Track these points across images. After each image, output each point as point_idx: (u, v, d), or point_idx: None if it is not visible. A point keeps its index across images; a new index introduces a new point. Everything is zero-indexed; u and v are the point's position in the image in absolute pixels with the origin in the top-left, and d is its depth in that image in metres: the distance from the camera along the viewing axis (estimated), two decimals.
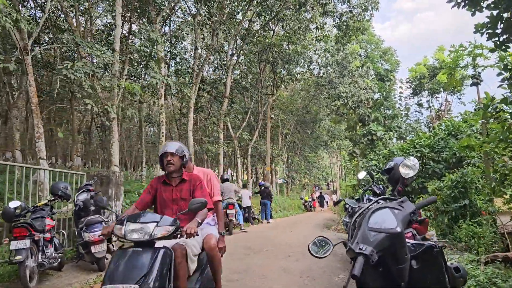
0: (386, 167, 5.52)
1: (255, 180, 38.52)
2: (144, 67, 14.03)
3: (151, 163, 47.18)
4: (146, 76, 17.03)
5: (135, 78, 16.78)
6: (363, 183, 8.77)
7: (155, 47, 13.28)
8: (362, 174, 8.43)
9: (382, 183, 9.23)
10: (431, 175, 16.81)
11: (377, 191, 8.65)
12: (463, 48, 14.45)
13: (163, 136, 15.56)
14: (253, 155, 30.48)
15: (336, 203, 9.75)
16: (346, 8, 17.73)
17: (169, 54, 26.03)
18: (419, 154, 17.33)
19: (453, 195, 9.64)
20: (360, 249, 1.95)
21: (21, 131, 21.82)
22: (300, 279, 5.19)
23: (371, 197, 8.42)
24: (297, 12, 16.99)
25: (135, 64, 15.04)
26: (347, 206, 9.14)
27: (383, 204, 2.21)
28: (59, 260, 6.33)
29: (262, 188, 18.69)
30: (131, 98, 16.22)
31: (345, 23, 18.83)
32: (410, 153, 17.21)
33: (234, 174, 28.76)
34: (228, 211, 12.32)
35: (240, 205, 16.37)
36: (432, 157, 17.11)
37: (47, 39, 17.81)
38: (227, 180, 13.37)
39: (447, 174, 11.32)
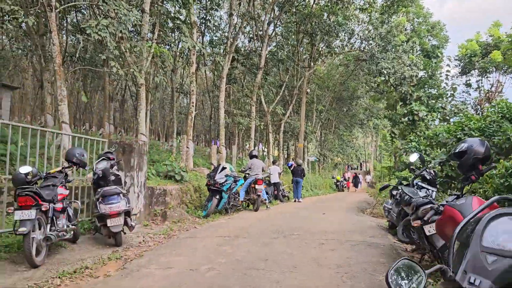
0: (457, 150, 4.58)
1: (286, 156, 37.82)
2: (175, 32, 13.24)
3: (183, 134, 47.21)
4: (178, 43, 16.35)
5: (167, 46, 16.12)
6: (413, 167, 7.79)
7: (187, 10, 12.51)
8: (413, 157, 7.50)
9: (430, 168, 8.27)
10: None
11: (428, 177, 7.69)
12: None
13: (193, 106, 14.97)
14: (286, 131, 29.59)
15: (382, 188, 8.84)
16: None
17: (203, 22, 25.38)
18: (467, 138, 15.90)
19: (507, 184, 8.79)
20: (471, 283, 1.16)
21: (54, 95, 21.94)
22: (337, 274, 4.46)
23: (422, 184, 7.51)
24: None
25: (166, 29, 14.31)
26: (394, 192, 8.25)
27: (500, 210, 1.36)
28: (72, 232, 5.87)
29: (298, 165, 17.98)
30: (162, 66, 15.59)
31: None
32: (457, 136, 15.86)
33: (265, 150, 28.12)
34: (257, 186, 11.79)
35: (268, 182, 15.75)
36: None
37: None
38: (255, 156, 12.75)
39: (501, 160, 10.36)
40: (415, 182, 7.53)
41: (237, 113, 19.66)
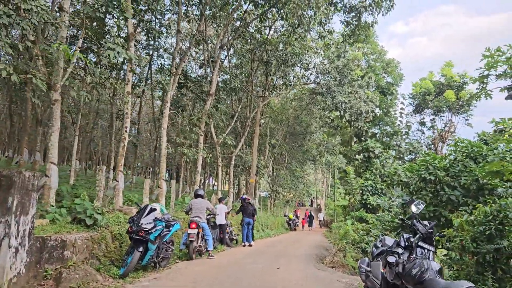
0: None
1: (237, 191, 35.48)
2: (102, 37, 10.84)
3: (129, 165, 43.68)
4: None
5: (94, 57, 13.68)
6: (406, 220, 5.71)
7: (123, 19, 10.28)
8: (418, 206, 5.43)
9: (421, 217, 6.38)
10: (446, 203, 14.20)
11: (420, 228, 5.67)
12: (501, 53, 11.89)
13: (126, 132, 12.48)
14: (237, 164, 27.55)
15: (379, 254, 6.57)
16: (356, 1, 15.01)
17: (149, 43, 23.19)
18: (432, 177, 14.48)
19: (488, 233, 7.35)
20: None
21: None
22: None
23: (411, 238, 5.55)
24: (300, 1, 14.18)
25: (96, 36, 11.94)
26: (375, 249, 6.16)
27: None
28: None
29: (245, 203, 15.68)
30: (88, 81, 13.05)
31: (355, 18, 16.11)
32: (422, 175, 14.35)
33: (216, 183, 25.76)
34: (190, 231, 9.63)
35: (214, 224, 13.36)
36: (447, 181, 14.42)
37: None
38: (201, 196, 10.53)
39: (473, 204, 9.18)
40: (403, 237, 5.56)
41: (182, 143, 17.25)
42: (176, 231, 9.50)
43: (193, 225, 9.71)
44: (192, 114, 20.06)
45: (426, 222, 5.63)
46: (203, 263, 9.69)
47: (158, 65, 25.97)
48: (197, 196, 10.60)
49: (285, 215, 36.65)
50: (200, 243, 10.30)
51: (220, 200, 14.90)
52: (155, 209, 8.08)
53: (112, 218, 8.83)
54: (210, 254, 10.62)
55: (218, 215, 13.58)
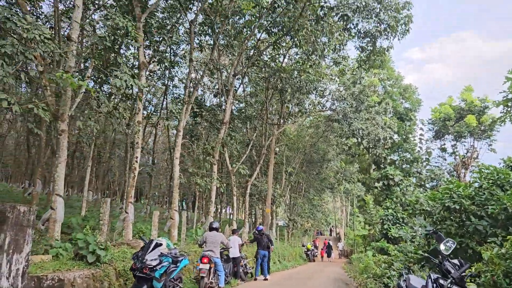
0: None
1: (253, 221, 34.68)
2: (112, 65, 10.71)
3: (145, 194, 43.43)
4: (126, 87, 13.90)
5: (104, 85, 13.59)
6: (435, 259, 5.04)
7: (135, 48, 10.16)
8: (448, 246, 4.81)
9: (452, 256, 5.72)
10: (472, 234, 13.28)
11: (451, 269, 5.02)
12: None
13: (136, 162, 12.20)
14: (253, 193, 26.93)
15: None
16: (373, 24, 14.70)
17: (163, 73, 23.31)
18: (457, 206, 13.63)
19: None
20: None
21: None
22: None
23: (440, 279, 4.93)
24: (315, 24, 13.99)
25: (105, 65, 11.86)
26: None
27: None
28: None
29: (261, 234, 15.00)
30: (96, 110, 12.90)
31: (370, 43, 15.79)
32: (445, 204, 13.51)
33: (232, 213, 25.18)
34: (201, 265, 9.12)
35: (227, 257, 12.74)
36: (473, 210, 13.57)
37: None
38: (215, 229, 10.05)
39: (503, 235, 8.53)
40: (431, 277, 4.96)
41: (195, 172, 16.89)
42: (185, 266, 8.98)
43: (205, 260, 9.18)
44: (206, 143, 19.78)
45: (456, 261, 5.00)
46: None
47: (173, 95, 26.07)
48: (211, 229, 10.10)
49: (303, 245, 35.53)
50: (211, 278, 9.72)
51: (233, 232, 14.31)
52: (160, 244, 7.60)
53: (118, 253, 8.40)
54: None
55: (231, 247, 13.00)
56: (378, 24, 14.47)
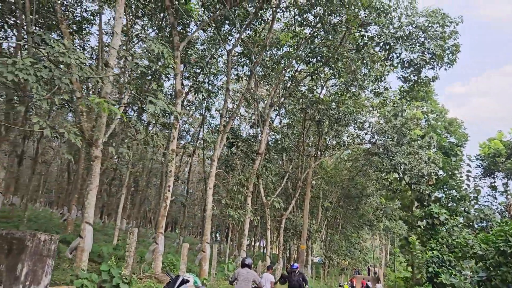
0: None
1: (287, 256, 33.50)
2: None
3: (180, 224, 43.31)
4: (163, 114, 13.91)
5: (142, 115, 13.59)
6: None
7: (167, 71, 10.08)
8: None
9: None
10: None
11: None
12: None
13: (169, 191, 11.91)
14: (287, 228, 26.05)
15: None
16: (417, 53, 14.08)
17: (201, 103, 23.43)
18: None
19: None
20: None
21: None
22: None
23: None
24: (356, 53, 13.54)
25: (139, 92, 11.87)
26: None
27: None
28: None
29: (292, 272, 14.12)
30: (132, 137, 12.84)
31: (413, 73, 15.11)
32: (500, 248, 12.27)
33: (265, 247, 24.34)
34: None
35: None
36: None
37: None
38: (248, 265, 9.42)
39: None
40: None
41: (229, 204, 16.44)
42: None
43: None
44: (241, 174, 19.40)
45: None
46: None
47: (210, 125, 26.15)
48: (244, 265, 9.47)
49: (339, 286, 33.69)
50: None
51: (268, 268, 13.49)
52: (187, 281, 7.09)
53: (142, 287, 7.94)
54: None
55: (264, 286, 12.28)
56: (423, 53, 13.81)
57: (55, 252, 5.72)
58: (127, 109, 12.81)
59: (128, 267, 7.28)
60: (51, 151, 34.45)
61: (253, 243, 41.85)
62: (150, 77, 10.67)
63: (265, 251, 22.12)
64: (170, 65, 9.68)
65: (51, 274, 5.58)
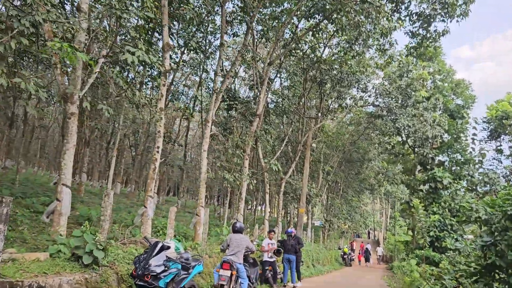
0: None
1: (288, 221, 33.28)
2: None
3: (184, 189, 42.91)
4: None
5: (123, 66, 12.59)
6: None
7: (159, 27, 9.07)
8: None
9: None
10: None
11: None
12: None
13: (158, 152, 11.14)
14: (287, 192, 25.52)
15: None
16: (426, 3, 12.86)
17: (199, 64, 22.32)
18: None
19: None
20: None
21: None
22: None
23: None
24: (360, 4, 12.34)
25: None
26: None
27: None
28: None
29: (291, 237, 13.57)
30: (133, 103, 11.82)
31: (422, 27, 13.90)
32: (508, 212, 11.51)
33: (264, 212, 23.87)
34: (221, 272, 7.85)
35: (254, 261, 11.42)
36: None
37: None
38: (239, 231, 8.74)
39: None
40: None
41: (223, 166, 15.74)
42: (199, 273, 7.75)
43: (226, 266, 7.90)
44: (238, 136, 18.60)
45: None
46: None
47: (209, 88, 25.10)
48: (235, 231, 8.80)
49: (339, 248, 33.74)
50: (233, 287, 8.44)
51: (270, 232, 12.82)
52: (168, 247, 6.40)
53: (123, 254, 7.28)
54: None
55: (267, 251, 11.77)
56: (434, 3, 12.58)
57: (7, 216, 4.96)
58: (110, 64, 11.80)
59: (103, 232, 6.59)
60: (50, 115, 33.62)
61: (254, 208, 41.71)
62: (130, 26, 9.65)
63: (264, 215, 21.62)
64: (156, 17, 8.66)
65: (3, 241, 4.84)
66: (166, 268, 6.15)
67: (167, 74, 11.41)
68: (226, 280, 7.92)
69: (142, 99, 10.34)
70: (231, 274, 8.16)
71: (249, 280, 10.91)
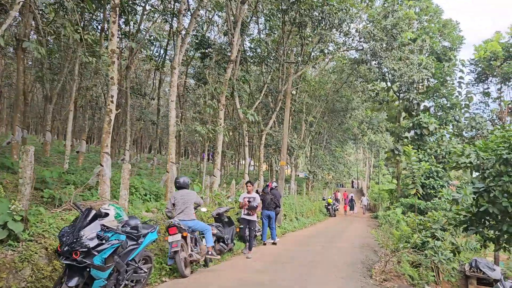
0: None
1: (270, 174, 32.39)
2: None
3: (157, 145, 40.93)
4: None
5: None
6: None
7: None
8: None
9: None
10: None
11: None
12: None
13: (112, 102, 9.55)
14: (269, 144, 24.37)
15: None
16: None
17: None
18: None
19: None
20: None
21: None
22: None
23: None
24: None
25: None
26: None
27: None
28: None
29: (266, 192, 12.41)
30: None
31: None
32: (503, 156, 10.47)
33: (244, 165, 22.77)
34: (170, 238, 6.73)
35: (229, 220, 10.23)
36: None
37: None
38: (184, 186, 7.42)
39: None
40: None
41: (196, 118, 14.24)
42: (154, 242, 6.47)
43: (173, 230, 6.72)
44: (211, 85, 16.98)
45: None
46: (196, 281, 6.69)
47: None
48: (179, 187, 7.47)
49: (323, 199, 33.29)
50: (192, 250, 7.24)
51: (247, 184, 11.31)
52: (106, 214, 5.03)
53: (60, 224, 5.90)
54: (211, 253, 7.58)
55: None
56: None
57: None
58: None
59: (22, 199, 5.14)
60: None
61: (236, 161, 40.76)
62: None
63: (244, 170, 20.51)
64: None
65: None
66: (103, 241, 4.81)
67: (117, 9, 9.56)
68: (177, 246, 6.73)
69: (86, 36, 8.54)
70: (183, 237, 6.95)
71: (224, 241, 9.80)
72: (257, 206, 10.32)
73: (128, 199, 8.23)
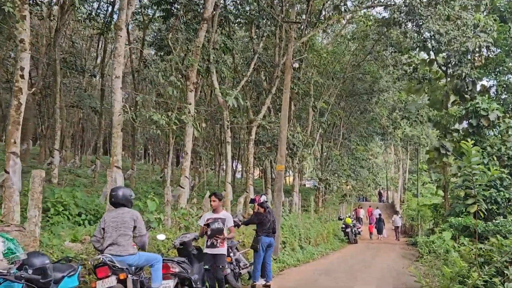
0: None
1: (265, 183, 32.05)
2: None
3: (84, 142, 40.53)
4: None
5: None
6: None
7: None
8: None
9: None
10: None
11: None
12: None
13: (22, 78, 8.93)
14: (261, 141, 24.04)
15: None
16: None
17: None
18: None
19: None
20: None
21: None
22: None
23: None
24: None
25: None
26: None
27: None
28: None
29: (266, 207, 11.93)
30: None
31: None
32: None
33: (225, 169, 22.44)
34: (99, 284, 6.18)
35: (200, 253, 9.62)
36: None
37: None
38: (122, 203, 6.76)
39: None
40: None
41: (156, 103, 13.71)
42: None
43: (102, 273, 6.17)
44: (178, 56, 16.51)
45: None
46: None
47: None
48: (115, 203, 6.82)
49: (340, 219, 33.08)
50: None
51: (210, 197, 10.47)
52: None
53: None
54: None
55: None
56: None
57: None
58: None
59: None
60: None
61: (217, 166, 40.48)
62: None
63: (225, 176, 20.10)
64: None
65: None
66: None
67: None
68: None
69: None
70: (120, 280, 6.32)
71: (191, 284, 9.17)
72: (223, 228, 9.21)
73: (41, 223, 7.64)
